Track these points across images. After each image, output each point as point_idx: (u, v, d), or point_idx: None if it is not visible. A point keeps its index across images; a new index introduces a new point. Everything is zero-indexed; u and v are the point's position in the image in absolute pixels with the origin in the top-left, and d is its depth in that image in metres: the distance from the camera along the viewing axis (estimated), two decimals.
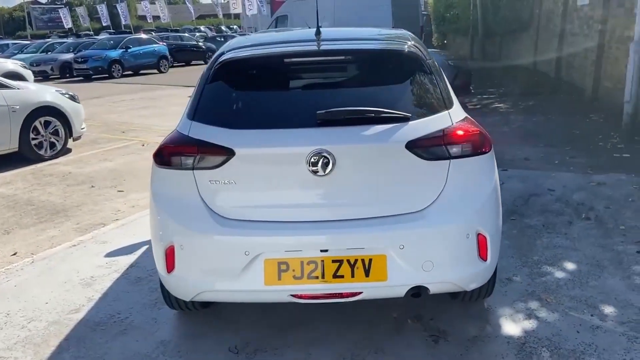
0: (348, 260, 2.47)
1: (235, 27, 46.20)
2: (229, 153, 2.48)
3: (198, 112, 2.69)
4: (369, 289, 2.50)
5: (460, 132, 2.55)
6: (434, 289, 2.55)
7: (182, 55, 26.60)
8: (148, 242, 4.20)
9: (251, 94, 2.75)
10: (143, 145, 7.97)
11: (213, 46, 27.83)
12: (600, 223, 4.23)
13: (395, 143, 2.47)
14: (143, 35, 25.13)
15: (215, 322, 3.05)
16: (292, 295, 2.52)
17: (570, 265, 3.54)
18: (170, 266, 2.61)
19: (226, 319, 3.07)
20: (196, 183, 2.56)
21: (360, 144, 2.47)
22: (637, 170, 5.59)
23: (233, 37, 30.33)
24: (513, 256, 3.68)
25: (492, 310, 3.05)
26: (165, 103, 12.84)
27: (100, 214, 5.00)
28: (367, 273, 2.46)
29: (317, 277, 2.48)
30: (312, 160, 2.42)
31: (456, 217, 2.51)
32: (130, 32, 33.36)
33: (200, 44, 28.01)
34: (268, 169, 2.52)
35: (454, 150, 2.52)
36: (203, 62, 26.66)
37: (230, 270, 2.51)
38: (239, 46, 3.00)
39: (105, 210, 5.08)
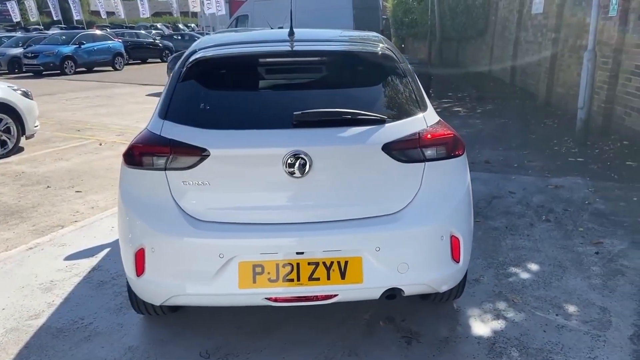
0: (324, 263, 2.45)
1: (193, 25, 45.48)
2: (203, 153, 2.43)
3: (170, 111, 2.62)
4: (344, 292, 2.49)
5: (434, 135, 2.57)
6: (408, 290, 2.56)
7: (138, 52, 26.00)
8: (110, 245, 4.09)
9: (225, 94, 2.70)
10: (100, 145, 7.73)
11: (170, 44, 27.41)
12: (560, 225, 4.36)
13: (372, 145, 2.47)
14: (97, 31, 24.37)
15: (184, 327, 2.98)
16: (266, 298, 2.49)
17: (534, 266, 3.63)
18: (140, 269, 2.53)
19: (195, 324, 3.00)
20: (168, 184, 2.49)
21: (337, 145, 2.46)
22: (592, 173, 5.81)
23: (191, 35, 30.02)
24: (479, 257, 3.75)
25: (462, 311, 3.10)
26: (122, 102, 12.50)
27: (58, 215, 4.81)
28: (342, 275, 2.46)
29: (292, 280, 2.45)
30: (289, 161, 2.39)
31: (431, 219, 2.53)
32: (82, 28, 32.37)
33: (157, 41, 27.42)
34: (243, 170, 2.48)
35: (429, 152, 2.54)
36: (160, 60, 26.18)
37: (203, 273, 2.45)
38: (211, 44, 2.94)
39: (63, 212, 4.90)
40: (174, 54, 14.74)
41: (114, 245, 4.09)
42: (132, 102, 12.32)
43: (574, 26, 9.73)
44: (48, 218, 4.74)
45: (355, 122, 2.52)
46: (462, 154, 2.67)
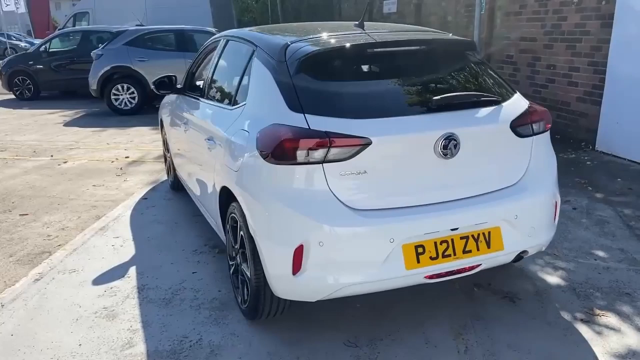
0: (472, 235, 2.65)
1: None
2: (365, 143, 2.45)
3: (304, 104, 2.56)
4: (488, 260, 2.72)
5: (538, 112, 2.92)
6: (531, 251, 2.89)
7: None
8: (130, 263, 3.75)
9: (359, 84, 2.73)
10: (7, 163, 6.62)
11: None
12: None
13: (503, 123, 2.74)
14: None
15: (307, 323, 2.92)
16: (425, 276, 2.60)
17: None
18: (297, 267, 2.47)
19: (315, 318, 2.96)
20: (325, 176, 2.46)
21: (479, 125, 2.68)
22: None
23: None
24: None
25: (526, 270, 3.51)
26: None
27: (29, 241, 4.14)
28: (488, 245, 2.68)
29: (449, 255, 2.61)
30: (443, 143, 2.54)
31: (546, 186, 2.89)
32: None
33: None
34: (399, 155, 2.55)
35: (535, 127, 2.88)
36: None
37: (373, 260, 2.49)
38: (303, 38, 2.91)
39: (32, 237, 4.22)
40: (9, 57, 12.96)
41: (135, 262, 3.74)
42: (13, 118, 10.35)
43: (432, 24, 10.92)
44: (19, 246, 4.05)
45: (481, 103, 2.76)
46: (549, 128, 3.06)
